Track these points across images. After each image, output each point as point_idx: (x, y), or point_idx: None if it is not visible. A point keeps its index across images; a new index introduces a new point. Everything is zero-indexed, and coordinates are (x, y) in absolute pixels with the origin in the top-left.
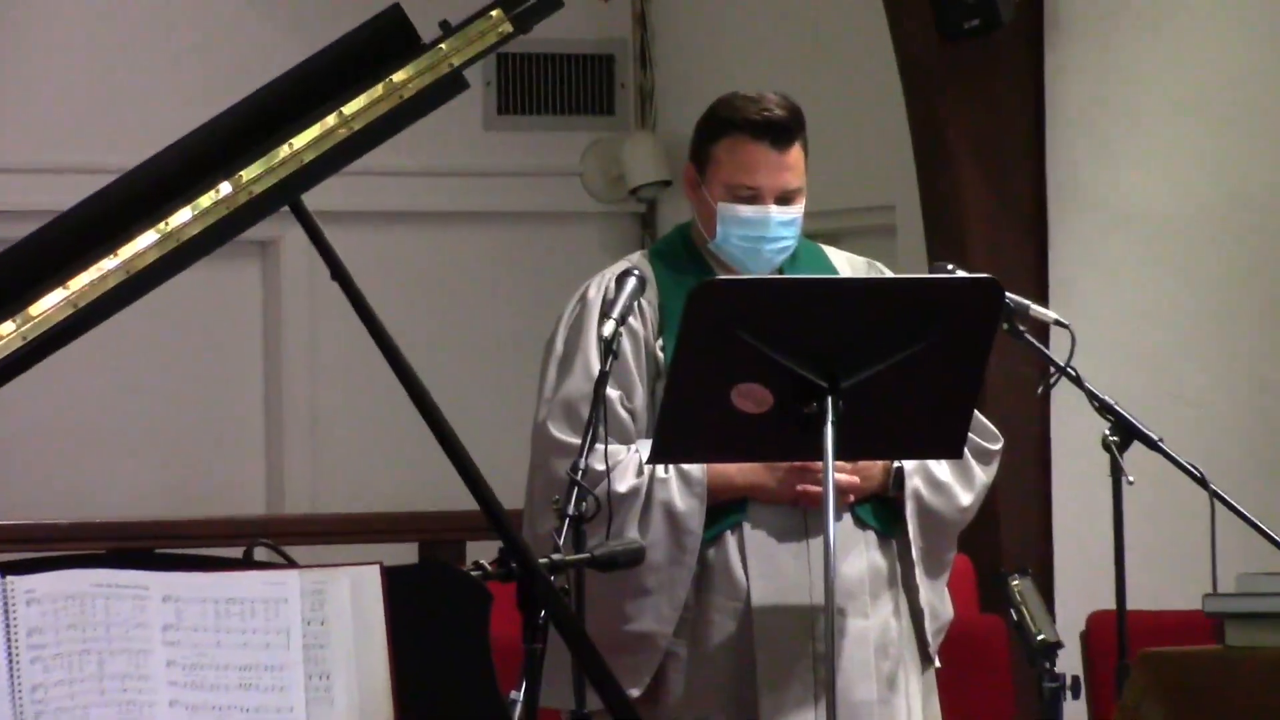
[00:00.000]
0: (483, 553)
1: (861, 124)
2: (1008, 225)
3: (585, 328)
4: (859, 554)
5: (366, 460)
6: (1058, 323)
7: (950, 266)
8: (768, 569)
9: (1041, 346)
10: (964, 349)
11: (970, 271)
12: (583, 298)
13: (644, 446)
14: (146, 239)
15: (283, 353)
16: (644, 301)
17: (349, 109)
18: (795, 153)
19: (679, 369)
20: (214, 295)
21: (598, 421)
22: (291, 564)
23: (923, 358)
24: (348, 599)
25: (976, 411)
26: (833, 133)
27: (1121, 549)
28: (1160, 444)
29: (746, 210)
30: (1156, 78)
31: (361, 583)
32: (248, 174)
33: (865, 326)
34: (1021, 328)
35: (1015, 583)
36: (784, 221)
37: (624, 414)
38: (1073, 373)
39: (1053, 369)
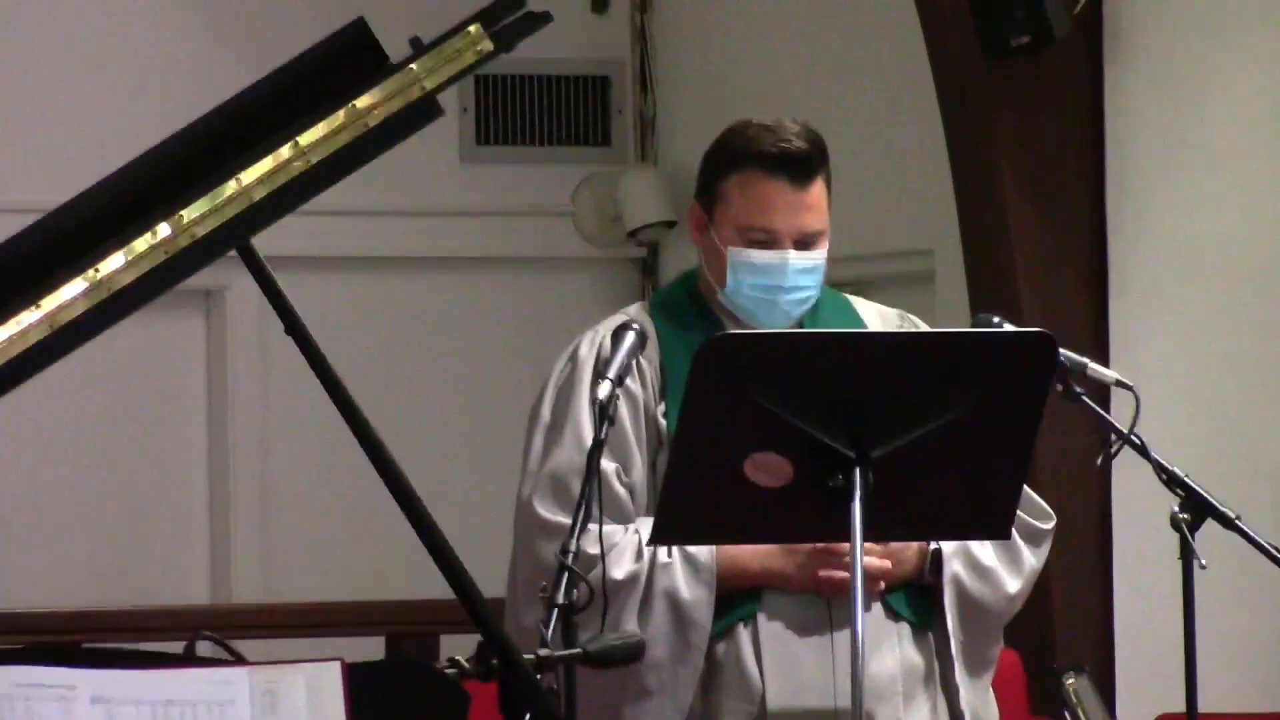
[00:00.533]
0: (459, 647)
1: (895, 156)
2: (1062, 272)
3: (576, 391)
4: (890, 649)
5: (325, 542)
6: (1119, 384)
7: (996, 319)
8: (786, 667)
9: (1101, 411)
10: (1012, 414)
11: (1019, 325)
12: (573, 356)
13: (644, 526)
14: (73, 288)
15: (229, 417)
16: (643, 360)
17: (306, 139)
18: (817, 190)
19: (684, 437)
20: (151, 352)
21: (590, 498)
22: (240, 660)
23: (964, 424)
24: (304, 701)
25: (1025, 486)
26: (861, 166)
27: (1192, 643)
28: (1238, 522)
29: (761, 255)
30: (1234, 100)
31: (320, 682)
32: (189, 214)
33: (898, 388)
34: (1078, 389)
35: (1070, 682)
36: (803, 269)
37: (620, 489)
38: (1137, 441)
39: (1114, 437)
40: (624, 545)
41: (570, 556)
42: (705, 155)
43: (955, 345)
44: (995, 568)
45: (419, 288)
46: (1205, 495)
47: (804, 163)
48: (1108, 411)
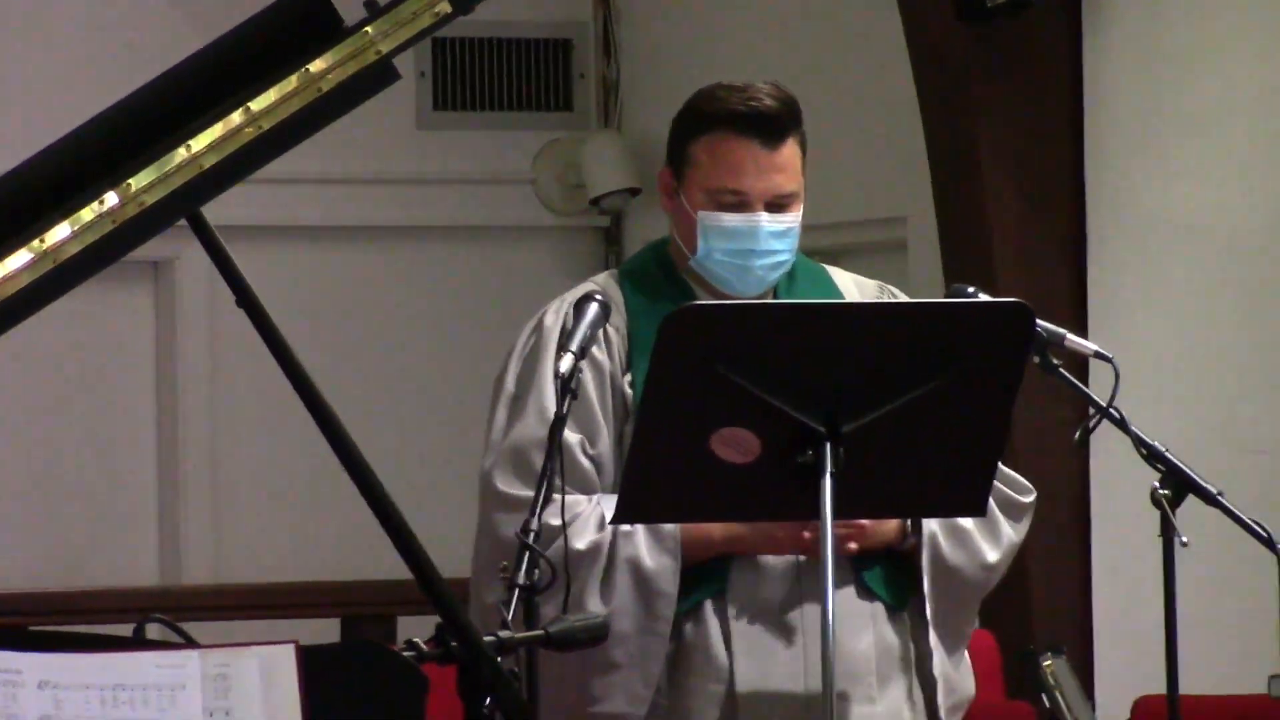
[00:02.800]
0: (417, 629)
1: (868, 122)
2: (1039, 241)
3: (540, 361)
4: (864, 629)
5: (278, 521)
6: (1098, 355)
7: (971, 290)
8: (755, 646)
9: (1079, 384)
10: (988, 387)
11: (995, 295)
12: (538, 326)
13: (607, 501)
14: (18, 259)
15: (179, 392)
16: (610, 330)
17: (257, 105)
18: (789, 151)
19: (648, 411)
20: (98, 325)
21: (553, 472)
22: (190, 643)
23: (939, 397)
24: (257, 684)
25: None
26: (834, 133)
27: (1173, 623)
28: (1220, 498)
29: (732, 219)
30: (1214, 66)
31: (273, 665)
32: (137, 182)
33: (870, 361)
34: (1056, 361)
35: (1048, 663)
36: (776, 232)
37: (585, 462)
38: (1116, 414)
39: (1093, 410)
40: (587, 516)
41: (531, 535)
42: (674, 119)
43: (929, 316)
44: (973, 532)
45: (375, 258)
46: (1186, 470)
47: (775, 122)
48: (1086, 384)
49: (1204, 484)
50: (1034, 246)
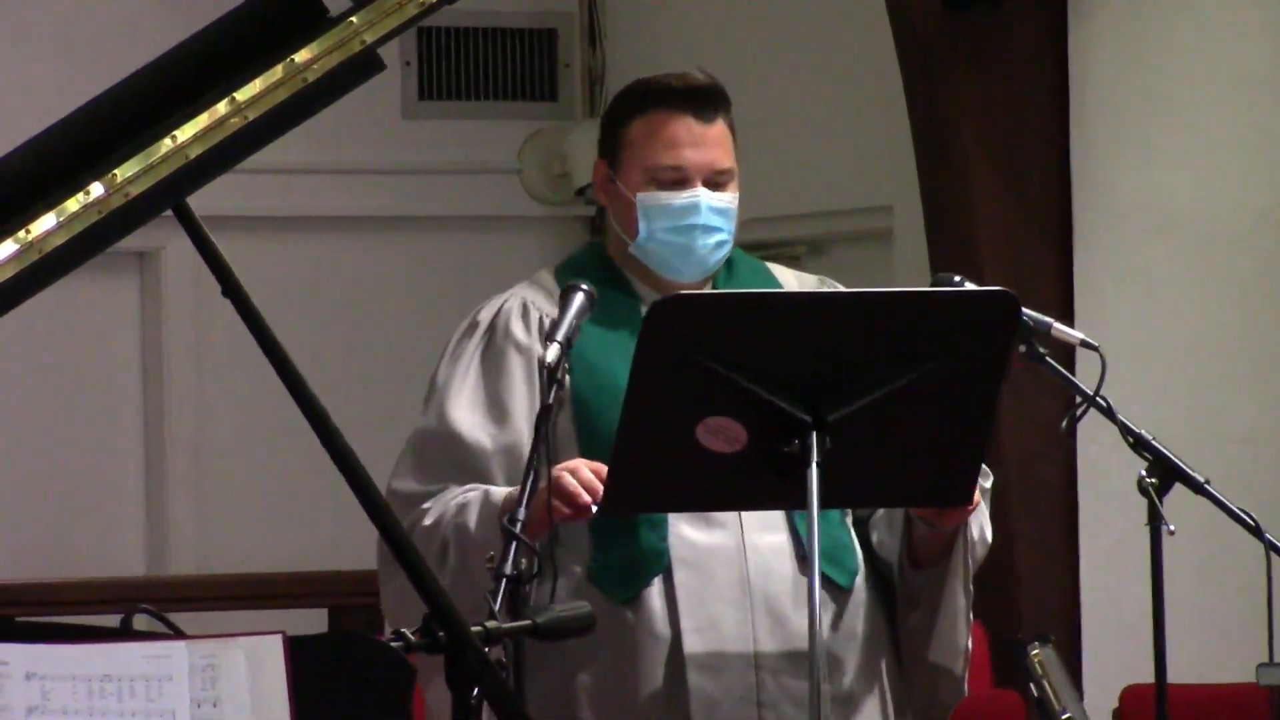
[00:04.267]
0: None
1: (853, 112)
2: (1025, 230)
3: (459, 358)
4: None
5: (265, 511)
6: (1085, 344)
7: (957, 279)
8: (703, 624)
9: (1066, 373)
10: (973, 376)
11: (981, 284)
12: (472, 322)
13: (494, 491)
14: (3, 251)
15: (165, 383)
16: (544, 317)
17: (243, 95)
18: (722, 128)
19: (634, 401)
20: (84, 316)
21: (540, 464)
22: (177, 634)
23: (924, 387)
24: (244, 675)
25: None
26: (819, 122)
27: (1161, 611)
28: (1207, 486)
29: (671, 196)
30: (1199, 56)
31: (261, 656)
32: (123, 172)
33: (856, 350)
34: (1042, 350)
35: (1035, 652)
36: (718, 209)
37: (480, 452)
38: (1103, 403)
39: (1079, 399)
40: (448, 498)
41: (518, 526)
42: (605, 112)
43: (914, 305)
44: (983, 508)
45: (361, 248)
46: (1173, 459)
47: (708, 96)
48: (1073, 373)
49: (1191, 472)
50: (1019, 235)
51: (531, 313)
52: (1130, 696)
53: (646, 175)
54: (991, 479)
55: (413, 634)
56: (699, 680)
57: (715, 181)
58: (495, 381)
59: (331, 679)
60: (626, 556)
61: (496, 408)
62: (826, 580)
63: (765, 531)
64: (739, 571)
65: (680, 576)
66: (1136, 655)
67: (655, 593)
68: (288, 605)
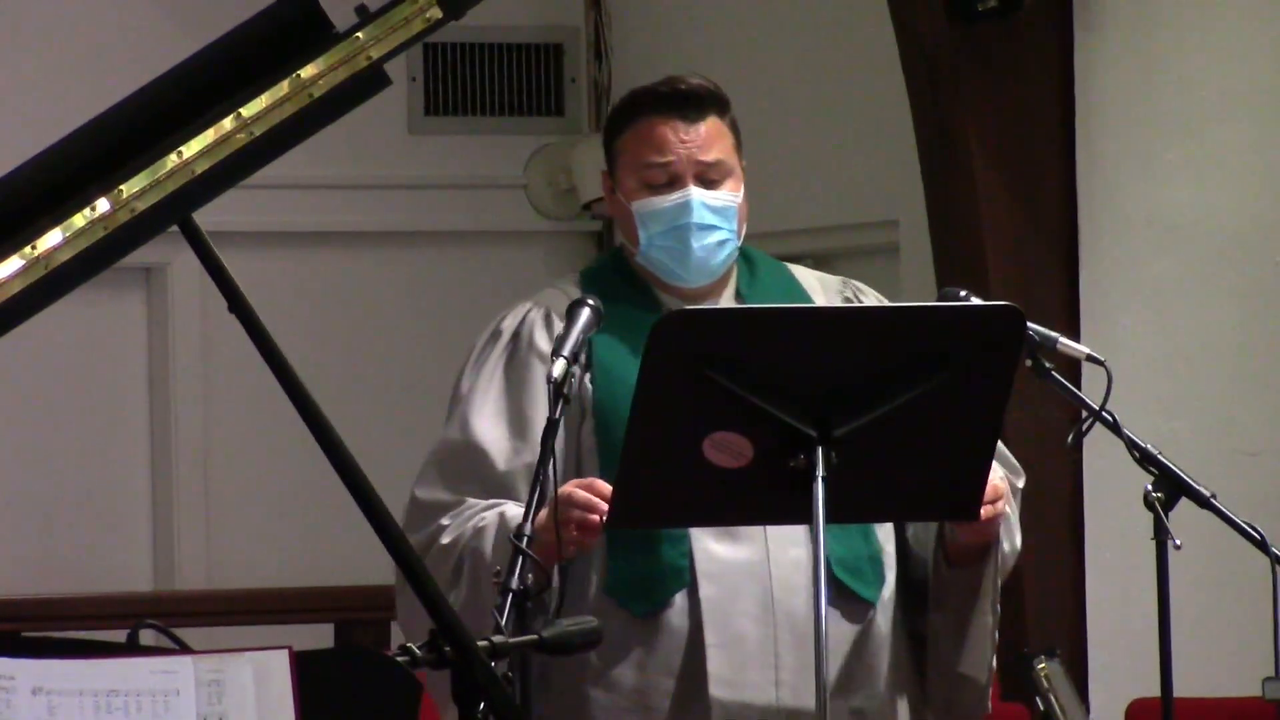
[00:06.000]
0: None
1: (859, 125)
2: (1031, 244)
3: (482, 367)
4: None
5: (271, 526)
6: (1091, 359)
7: (963, 293)
8: (727, 638)
9: (1072, 387)
10: (980, 390)
11: (987, 299)
12: (494, 333)
13: (510, 508)
14: (9, 266)
15: (171, 397)
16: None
17: (249, 110)
18: (712, 125)
19: (640, 416)
20: (91, 331)
21: (545, 480)
22: (184, 649)
23: (930, 401)
24: (251, 689)
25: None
26: (825, 135)
27: (1167, 625)
28: (1213, 501)
29: (662, 199)
30: (1206, 66)
31: (267, 670)
32: (129, 188)
33: (862, 365)
34: (1048, 365)
35: (1042, 665)
36: (712, 207)
37: (502, 467)
38: (1109, 418)
39: (1085, 413)
40: (467, 516)
41: (525, 541)
42: (604, 126)
43: (920, 320)
44: (1010, 515)
45: (366, 263)
46: (1179, 473)
47: (693, 98)
48: (1079, 387)
49: (1197, 486)
50: (1026, 249)
51: (555, 322)
52: (1136, 710)
53: (639, 181)
54: (1024, 479)
55: (419, 648)
56: (721, 694)
57: (707, 178)
58: (519, 393)
59: (337, 694)
60: (645, 571)
61: (520, 420)
62: (849, 594)
63: (790, 546)
64: (763, 586)
65: (705, 591)
66: (1142, 669)
67: (679, 608)
68: (294, 620)
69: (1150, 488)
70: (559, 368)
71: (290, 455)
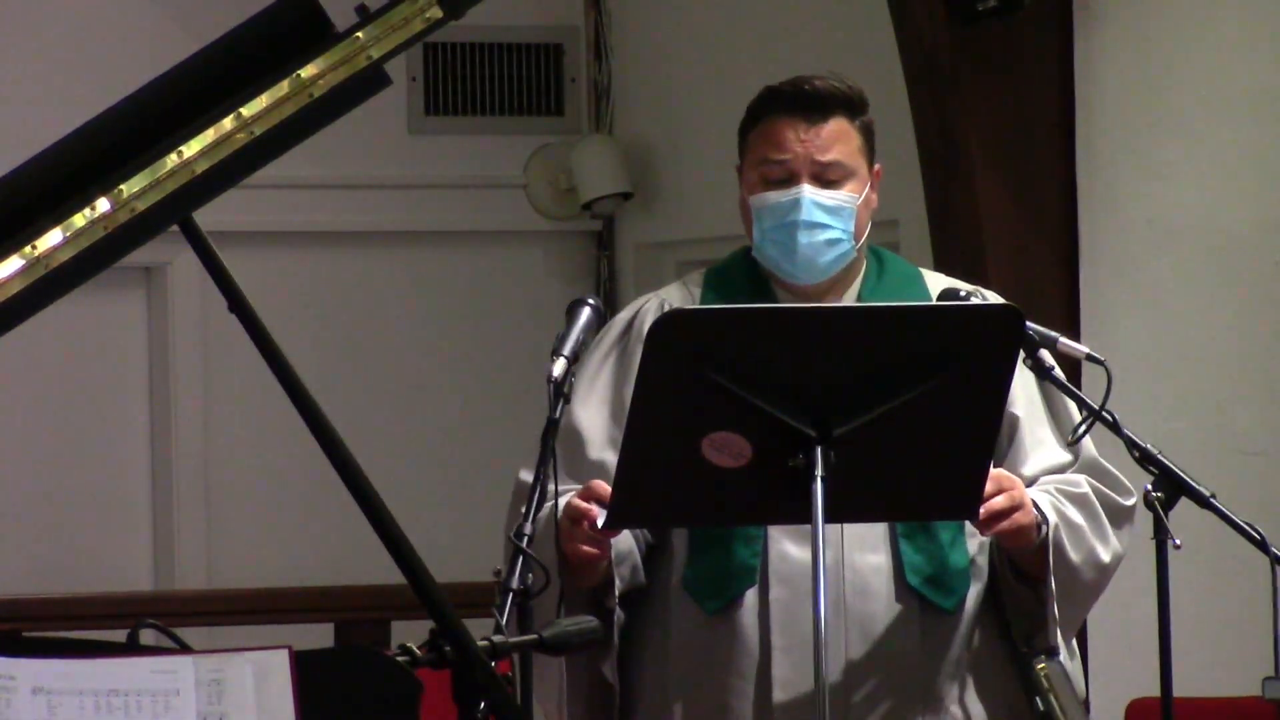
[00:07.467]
0: (410, 634)
1: None
2: (1032, 244)
3: (591, 355)
4: (907, 631)
5: (271, 526)
6: (1090, 358)
7: (963, 293)
8: (794, 644)
9: (1072, 387)
10: (979, 390)
11: (986, 298)
12: (614, 320)
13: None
14: (9, 266)
15: (172, 398)
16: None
17: (249, 110)
18: (836, 126)
19: (638, 416)
20: (91, 331)
21: (546, 478)
22: (184, 648)
23: (930, 401)
24: (251, 689)
25: (1100, 458)
26: None
27: (1167, 625)
28: (1213, 500)
29: (774, 194)
30: (1207, 68)
31: (267, 670)
32: (129, 188)
33: (861, 364)
34: (1049, 364)
35: (1041, 666)
36: (823, 205)
37: (594, 458)
38: (1109, 417)
39: (1085, 413)
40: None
41: (525, 540)
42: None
43: (920, 319)
44: (1085, 530)
45: (366, 263)
46: (1179, 473)
47: (817, 99)
48: (1079, 387)
49: (1197, 486)
50: (1026, 249)
51: None
52: (1136, 710)
53: (758, 176)
54: (1134, 499)
55: (419, 648)
56: (784, 698)
57: (825, 178)
58: (623, 382)
59: (338, 694)
60: (718, 568)
61: (621, 408)
62: (928, 604)
63: (865, 550)
64: (835, 590)
65: (776, 592)
66: (1142, 669)
67: (749, 607)
68: (294, 620)
69: (1150, 487)
70: (558, 367)
71: (290, 455)
